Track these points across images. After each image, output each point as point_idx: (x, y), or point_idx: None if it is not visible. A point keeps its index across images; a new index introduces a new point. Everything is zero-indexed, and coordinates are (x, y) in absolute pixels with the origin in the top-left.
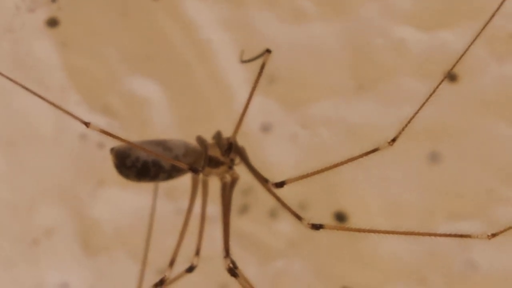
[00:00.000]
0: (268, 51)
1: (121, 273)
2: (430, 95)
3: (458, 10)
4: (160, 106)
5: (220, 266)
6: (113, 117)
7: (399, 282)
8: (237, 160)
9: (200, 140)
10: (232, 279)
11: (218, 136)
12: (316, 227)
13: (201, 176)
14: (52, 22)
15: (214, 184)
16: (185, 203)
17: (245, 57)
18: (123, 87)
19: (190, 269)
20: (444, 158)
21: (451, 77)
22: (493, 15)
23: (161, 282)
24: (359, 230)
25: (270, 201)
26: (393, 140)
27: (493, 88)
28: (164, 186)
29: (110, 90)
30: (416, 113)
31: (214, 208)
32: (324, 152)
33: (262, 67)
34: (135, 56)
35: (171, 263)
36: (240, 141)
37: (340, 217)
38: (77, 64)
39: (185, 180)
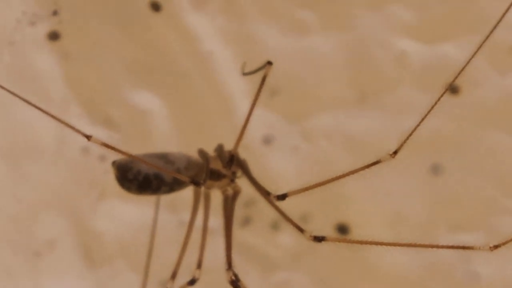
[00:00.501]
0: (269, 63)
1: (123, 285)
2: (432, 107)
3: (459, 22)
4: (162, 118)
5: (222, 278)
6: (114, 130)
7: None
8: (239, 173)
9: (202, 153)
10: None
11: (219, 149)
12: (318, 239)
13: (203, 189)
14: (53, 35)
15: (216, 197)
16: (187, 216)
17: (247, 70)
18: (125, 99)
19: (192, 282)
20: (446, 170)
21: (452, 89)
22: (494, 28)
23: None
24: (361, 242)
25: (272, 214)
26: (395, 152)
27: (495, 100)
28: (166, 198)
29: (112, 103)
30: (418, 125)
31: (216, 220)
32: (326, 164)
33: (263, 79)
34: (136, 68)
35: (173, 276)
36: (242, 153)
37: (342, 229)
38: (79, 77)
39: (187, 192)
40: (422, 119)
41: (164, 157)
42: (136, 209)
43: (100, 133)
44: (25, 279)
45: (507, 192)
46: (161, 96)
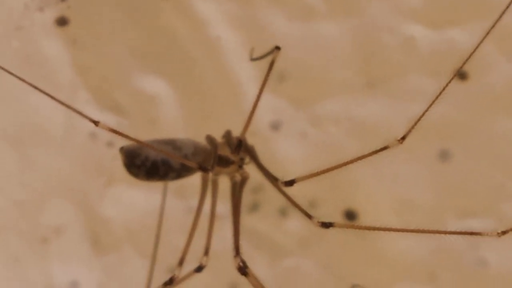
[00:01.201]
0: (277, 48)
1: (130, 271)
2: (440, 93)
3: (468, 8)
4: (169, 104)
5: (230, 264)
6: (122, 116)
7: (409, 280)
8: (247, 159)
9: (210, 139)
10: (242, 278)
11: (227, 135)
12: (326, 225)
13: (210, 175)
14: (62, 21)
15: (224, 183)
16: (195, 202)
17: (255, 55)
18: (132, 85)
19: (199, 269)
20: (454, 156)
21: (461, 75)
22: (503, 13)
23: (171, 281)
24: (369, 228)
25: (280, 200)
26: (403, 138)
27: (503, 86)
28: (174, 184)
29: (120, 88)
30: (426, 110)
31: (224, 207)
32: (334, 150)
33: (272, 64)
34: (144, 54)
35: (181, 262)
36: (250, 139)
37: (350, 215)
38: (86, 63)
39: (195, 178)
40: (430, 105)
41: (172, 143)
42: (144, 195)
43: (108, 119)
44: (32, 266)
45: None
46: (169, 82)
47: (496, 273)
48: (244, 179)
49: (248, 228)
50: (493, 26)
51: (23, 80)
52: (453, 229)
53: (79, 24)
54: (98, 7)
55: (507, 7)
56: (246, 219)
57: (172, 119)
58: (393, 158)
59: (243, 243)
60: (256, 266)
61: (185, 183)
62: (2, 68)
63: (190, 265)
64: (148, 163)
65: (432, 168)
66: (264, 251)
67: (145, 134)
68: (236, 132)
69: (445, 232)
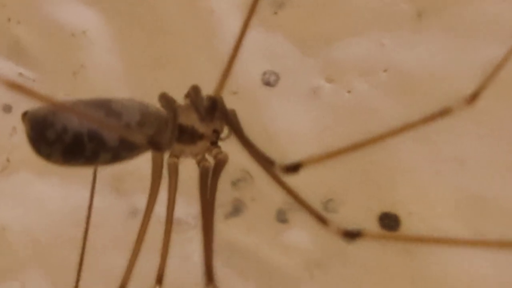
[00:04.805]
0: None
1: None
2: None
3: None
4: (102, 45)
5: None
6: (28, 64)
7: None
8: (225, 131)
9: (166, 99)
10: None
11: (194, 92)
12: (351, 235)
13: (167, 156)
14: None
15: (189, 169)
16: (142, 200)
17: None
18: (45, 17)
19: None
20: None
21: None
22: None
23: None
24: (416, 240)
25: (278, 196)
26: (473, 97)
27: None
28: (109, 172)
29: (25, 22)
30: (508, 56)
31: (188, 207)
32: (361, 117)
33: None
34: None
35: None
36: (230, 100)
37: (388, 221)
38: None
39: (143, 162)
40: None
41: (106, 106)
42: (61, 189)
43: (5, 68)
44: None
45: None
46: (101, 12)
47: None
48: (219, 163)
49: (227, 241)
50: None
51: None
52: None
53: None
54: None
55: None
56: (223, 228)
57: (106, 69)
58: (457, 129)
59: (218, 265)
60: None
61: (127, 170)
62: None
63: None
64: (67, 137)
65: None
66: (252, 277)
67: (64, 92)
68: (207, 90)
69: None
